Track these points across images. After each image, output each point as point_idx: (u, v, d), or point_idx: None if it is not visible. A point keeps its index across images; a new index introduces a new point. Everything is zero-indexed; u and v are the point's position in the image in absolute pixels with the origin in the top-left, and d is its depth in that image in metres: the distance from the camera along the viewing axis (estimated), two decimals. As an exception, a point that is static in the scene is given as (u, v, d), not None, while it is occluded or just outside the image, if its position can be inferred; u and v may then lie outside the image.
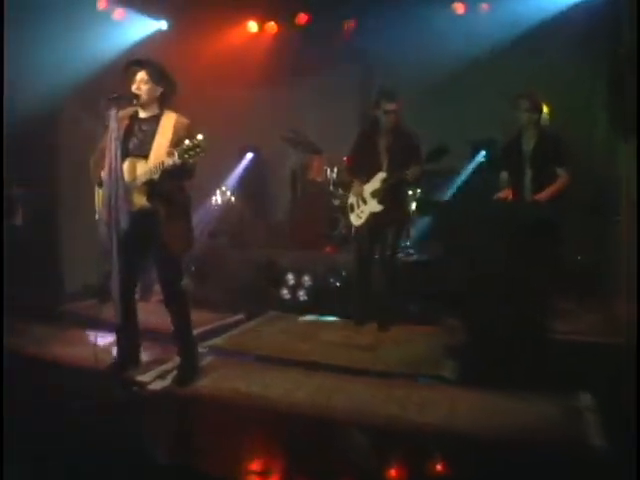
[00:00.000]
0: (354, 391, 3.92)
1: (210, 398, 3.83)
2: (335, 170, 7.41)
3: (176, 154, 3.61)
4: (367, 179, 5.49)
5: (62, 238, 6.77)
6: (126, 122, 3.97)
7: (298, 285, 6.33)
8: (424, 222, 6.87)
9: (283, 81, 8.27)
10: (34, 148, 6.05)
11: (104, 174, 3.73)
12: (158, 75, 3.96)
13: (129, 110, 4.03)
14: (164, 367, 4.28)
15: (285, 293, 6.36)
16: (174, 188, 3.89)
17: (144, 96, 3.91)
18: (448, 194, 7.33)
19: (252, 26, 8.39)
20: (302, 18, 8.07)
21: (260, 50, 8.28)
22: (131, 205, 3.75)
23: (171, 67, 4.09)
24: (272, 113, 8.19)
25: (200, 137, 3.57)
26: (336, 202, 7.25)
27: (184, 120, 3.97)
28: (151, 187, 3.80)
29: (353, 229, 6.64)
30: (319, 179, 7.64)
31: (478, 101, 6.98)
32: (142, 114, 4.01)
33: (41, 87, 5.71)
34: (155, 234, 3.89)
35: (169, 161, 3.65)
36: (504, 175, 5.24)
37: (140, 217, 3.79)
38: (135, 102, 3.93)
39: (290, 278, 6.36)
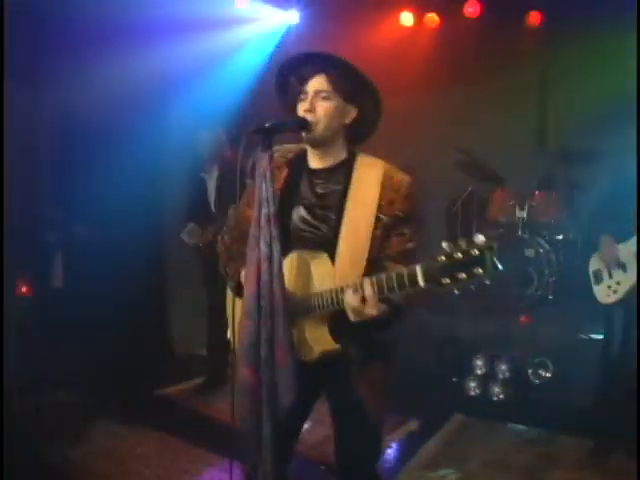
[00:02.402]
0: None
1: None
2: (526, 208, 5.60)
3: (419, 272, 1.66)
4: (619, 235, 3.66)
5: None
6: (284, 173, 2.13)
7: (491, 376, 4.47)
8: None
9: (445, 87, 6.72)
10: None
11: (245, 277, 1.93)
12: (350, 84, 2.03)
13: (287, 151, 2.18)
14: None
15: (473, 387, 4.49)
16: (384, 314, 1.87)
17: (322, 123, 2.00)
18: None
19: (407, 18, 6.92)
20: (472, 8, 6.55)
21: (417, 48, 6.94)
22: (302, 349, 1.96)
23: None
24: (431, 127, 6.62)
25: (482, 239, 1.55)
26: (529, 252, 5.43)
27: (399, 175, 2.04)
28: (343, 315, 1.91)
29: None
30: (502, 219, 5.82)
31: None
32: (315, 162, 2.13)
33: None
34: (340, 391, 2.13)
35: (397, 283, 1.73)
36: None
37: (318, 367, 1.99)
38: (304, 135, 2.03)
39: (479, 364, 4.52)
